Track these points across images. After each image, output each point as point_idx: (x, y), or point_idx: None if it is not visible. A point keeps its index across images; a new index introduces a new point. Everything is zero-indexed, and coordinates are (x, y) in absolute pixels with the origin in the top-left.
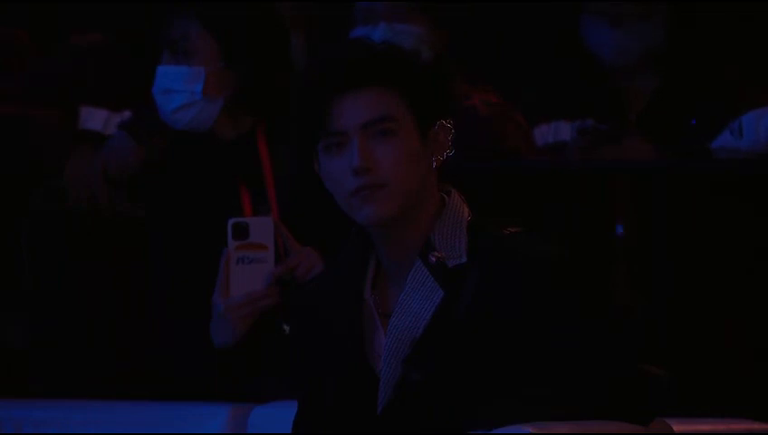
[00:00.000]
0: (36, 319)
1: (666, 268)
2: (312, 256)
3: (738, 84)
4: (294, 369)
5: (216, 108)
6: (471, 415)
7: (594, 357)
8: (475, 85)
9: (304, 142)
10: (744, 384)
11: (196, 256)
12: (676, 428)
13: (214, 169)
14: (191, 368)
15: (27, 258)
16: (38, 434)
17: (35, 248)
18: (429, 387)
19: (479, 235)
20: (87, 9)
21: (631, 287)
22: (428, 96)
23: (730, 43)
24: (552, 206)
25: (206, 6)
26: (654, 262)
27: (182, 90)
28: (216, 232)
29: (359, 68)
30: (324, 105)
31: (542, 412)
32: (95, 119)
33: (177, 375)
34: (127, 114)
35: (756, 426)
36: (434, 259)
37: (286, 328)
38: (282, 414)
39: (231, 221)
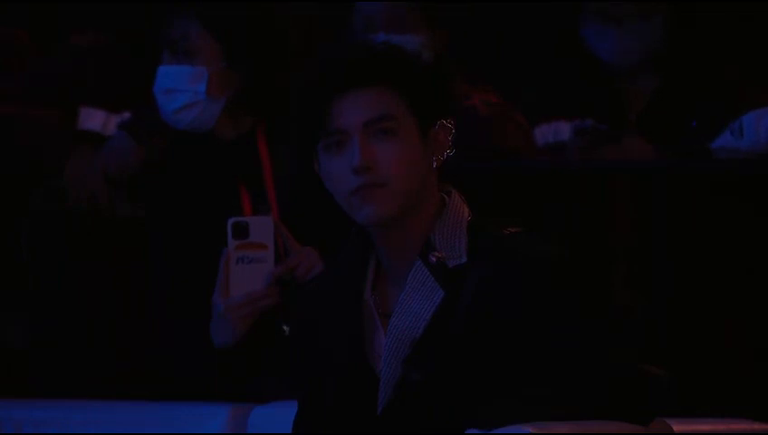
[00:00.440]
0: (36, 319)
1: (666, 268)
2: (312, 256)
3: (738, 84)
4: (294, 369)
5: (218, 108)
6: (471, 415)
7: (594, 357)
8: (475, 85)
9: (304, 142)
10: (744, 384)
11: (196, 256)
12: (676, 428)
13: (214, 169)
14: (191, 368)
15: (27, 258)
16: (38, 434)
17: (35, 248)
18: (429, 387)
19: (479, 235)
20: (87, 9)
21: (631, 287)
22: (429, 96)
23: (730, 43)
24: (552, 206)
25: (206, 6)
26: (654, 262)
27: (185, 89)
28: (215, 232)
29: (359, 68)
30: (324, 105)
31: (542, 412)
32: (95, 119)
33: (177, 375)
34: (127, 114)
35: (756, 426)
36: (434, 259)
37: (286, 328)
38: (282, 414)
39: (231, 221)
